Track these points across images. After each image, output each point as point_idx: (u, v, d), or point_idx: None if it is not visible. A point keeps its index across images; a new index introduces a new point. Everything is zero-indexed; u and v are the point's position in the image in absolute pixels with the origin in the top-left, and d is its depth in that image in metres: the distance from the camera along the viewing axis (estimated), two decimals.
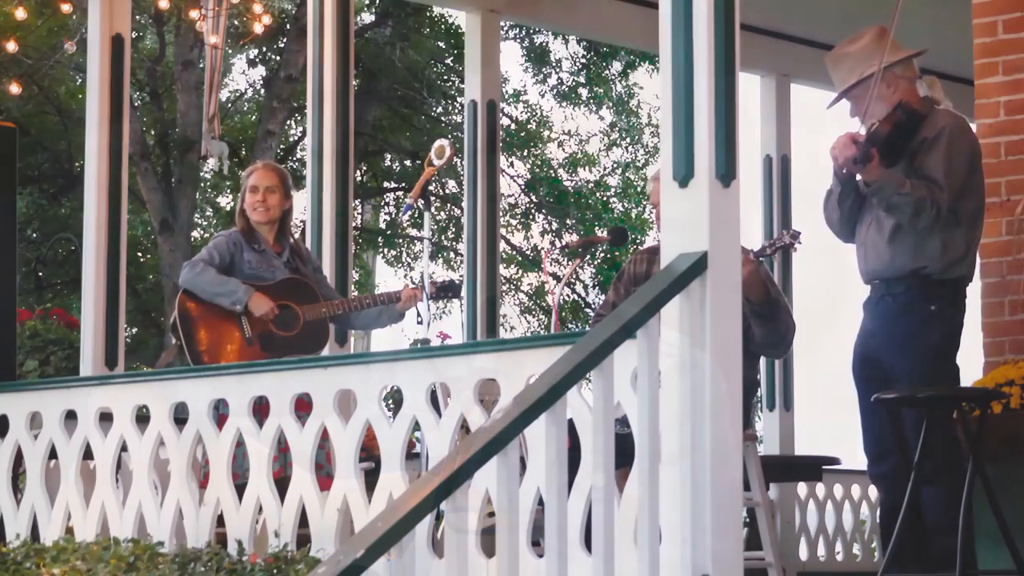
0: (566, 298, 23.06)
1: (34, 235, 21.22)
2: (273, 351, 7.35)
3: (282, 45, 20.49)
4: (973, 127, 6.98)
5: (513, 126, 23.55)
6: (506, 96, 23.13)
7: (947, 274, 6.39)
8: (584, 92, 23.79)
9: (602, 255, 22.92)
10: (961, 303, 6.46)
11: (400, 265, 24.58)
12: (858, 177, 6.54)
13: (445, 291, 7.86)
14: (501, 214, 10.08)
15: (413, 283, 7.75)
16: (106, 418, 6.80)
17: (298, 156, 22.44)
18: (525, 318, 24.48)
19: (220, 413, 6.60)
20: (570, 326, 22.65)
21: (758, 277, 6.93)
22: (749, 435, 7.02)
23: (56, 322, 8.87)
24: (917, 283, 6.39)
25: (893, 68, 6.54)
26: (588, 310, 23.02)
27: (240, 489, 6.35)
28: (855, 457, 6.60)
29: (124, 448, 6.78)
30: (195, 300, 7.40)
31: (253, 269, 7.47)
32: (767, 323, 7.03)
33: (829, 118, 6.73)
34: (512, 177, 23.57)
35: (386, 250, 24.71)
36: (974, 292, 7.01)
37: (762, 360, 8.95)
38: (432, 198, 12.26)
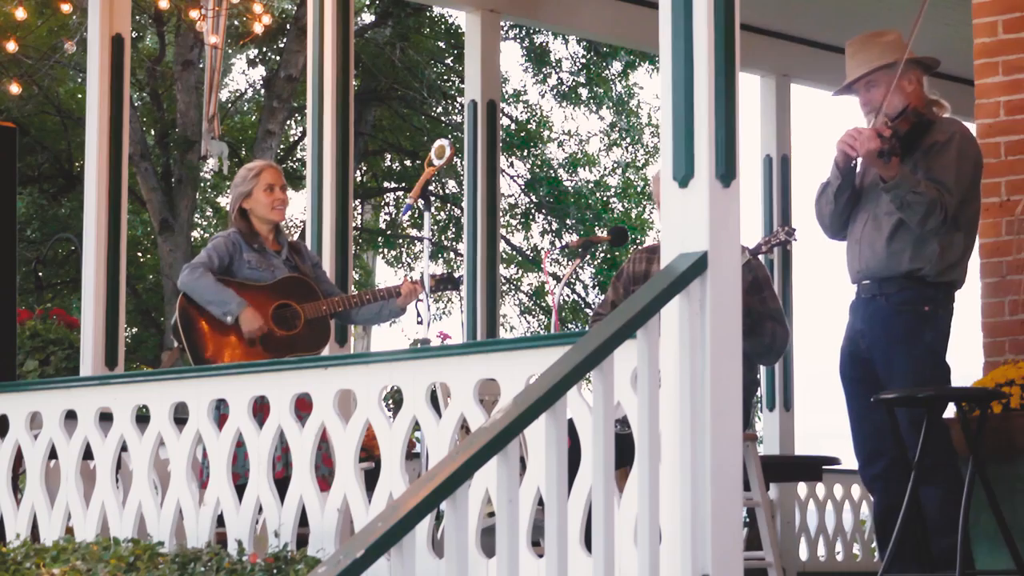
0: (566, 298, 23.07)
1: (34, 235, 21.22)
2: (274, 350, 7.35)
3: (282, 45, 20.50)
4: (973, 127, 6.99)
5: (513, 126, 23.55)
6: (506, 96, 23.14)
7: (942, 277, 6.40)
8: (584, 92, 23.80)
9: (602, 255, 22.92)
10: (951, 306, 6.48)
11: (400, 265, 24.60)
12: (858, 170, 6.55)
13: (445, 284, 7.85)
14: (501, 214, 10.08)
15: (413, 279, 7.73)
16: (106, 418, 6.80)
17: (298, 156, 22.45)
18: (525, 318, 24.49)
19: (220, 413, 6.60)
20: (570, 326, 22.66)
21: None
22: (749, 435, 7.02)
23: (56, 322, 8.87)
24: (911, 284, 6.39)
25: (916, 67, 6.56)
26: (588, 310, 23.02)
27: (240, 489, 6.35)
28: (855, 457, 6.60)
29: (124, 448, 6.78)
30: (195, 302, 7.39)
31: (253, 268, 7.47)
32: (747, 336, 7.02)
33: (828, 118, 6.74)
34: (512, 177, 23.58)
35: (386, 250, 24.72)
36: (974, 292, 7.02)
37: None
38: (432, 198, 12.25)
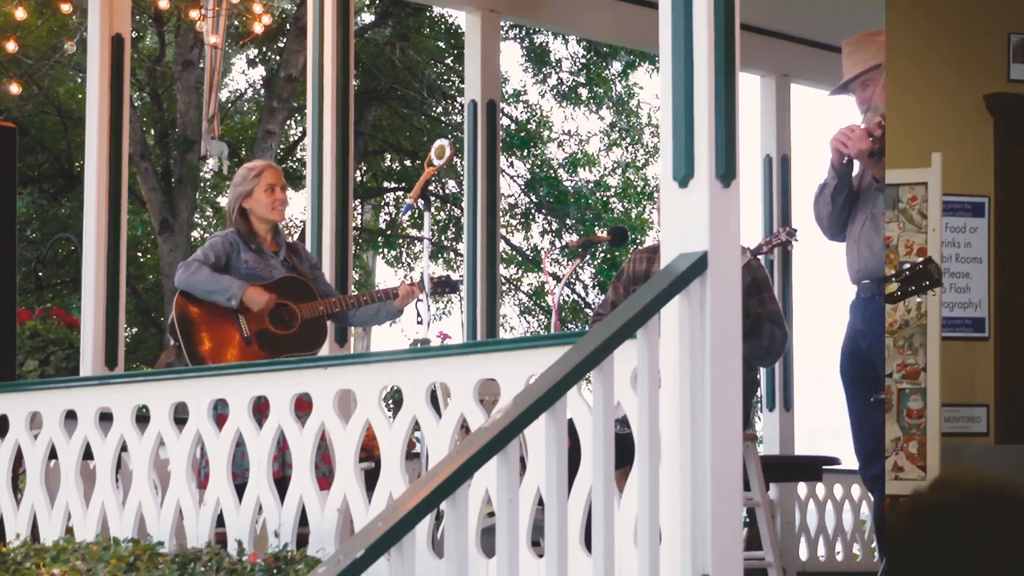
0: (566, 298, 23.06)
1: (34, 235, 21.22)
2: (271, 350, 7.35)
3: (282, 45, 20.50)
4: None
5: (513, 126, 23.55)
6: (506, 96, 23.13)
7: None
8: (584, 92, 23.80)
9: (602, 255, 22.92)
10: None
11: (400, 265, 24.60)
12: (854, 172, 6.56)
13: (443, 287, 7.86)
14: (501, 214, 10.07)
15: (411, 281, 7.74)
16: (106, 418, 6.80)
17: (298, 156, 22.45)
18: (525, 318, 24.49)
19: (220, 413, 6.60)
20: (570, 326, 22.65)
21: None
22: (749, 435, 7.02)
23: (56, 322, 8.87)
24: None
25: None
26: (588, 310, 23.02)
27: (240, 489, 6.35)
28: (855, 457, 6.60)
29: (124, 448, 6.78)
30: (192, 301, 7.39)
31: (251, 269, 7.47)
32: (745, 339, 7.03)
33: (829, 118, 6.77)
34: (512, 177, 23.57)
35: (386, 250, 24.71)
36: None
37: None
38: (432, 198, 12.25)
